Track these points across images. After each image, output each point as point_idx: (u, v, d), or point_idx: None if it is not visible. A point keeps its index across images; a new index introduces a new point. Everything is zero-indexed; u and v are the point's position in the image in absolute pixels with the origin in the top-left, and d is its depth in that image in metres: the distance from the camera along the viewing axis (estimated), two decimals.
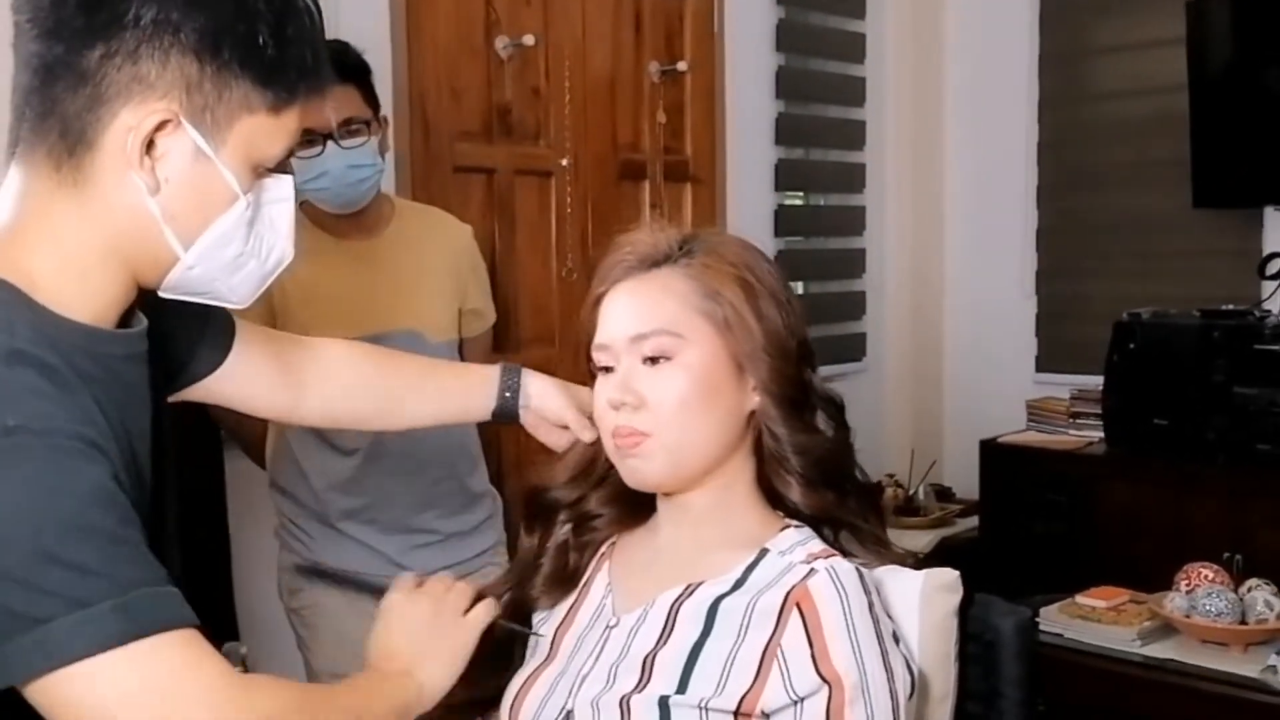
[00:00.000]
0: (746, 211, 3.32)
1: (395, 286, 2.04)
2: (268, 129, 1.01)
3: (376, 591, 2.04)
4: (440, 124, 2.64)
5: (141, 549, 0.94)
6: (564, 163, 2.86)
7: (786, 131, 3.50)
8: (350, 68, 1.94)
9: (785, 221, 3.53)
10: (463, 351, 2.16)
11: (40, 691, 0.90)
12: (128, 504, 0.94)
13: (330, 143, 1.92)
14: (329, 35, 2.39)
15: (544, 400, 1.37)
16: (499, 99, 2.76)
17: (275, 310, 1.99)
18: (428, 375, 1.45)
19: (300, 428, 1.97)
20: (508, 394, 1.38)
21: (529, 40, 2.74)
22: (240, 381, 1.29)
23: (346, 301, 2.00)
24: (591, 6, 2.93)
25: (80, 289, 0.99)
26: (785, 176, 3.51)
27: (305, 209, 2.05)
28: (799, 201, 3.72)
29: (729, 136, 3.31)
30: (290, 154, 1.06)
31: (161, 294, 1.05)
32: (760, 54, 3.41)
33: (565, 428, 1.34)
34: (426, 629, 1.15)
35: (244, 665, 2.14)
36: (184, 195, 0.98)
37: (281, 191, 1.06)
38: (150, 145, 0.96)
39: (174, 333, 1.19)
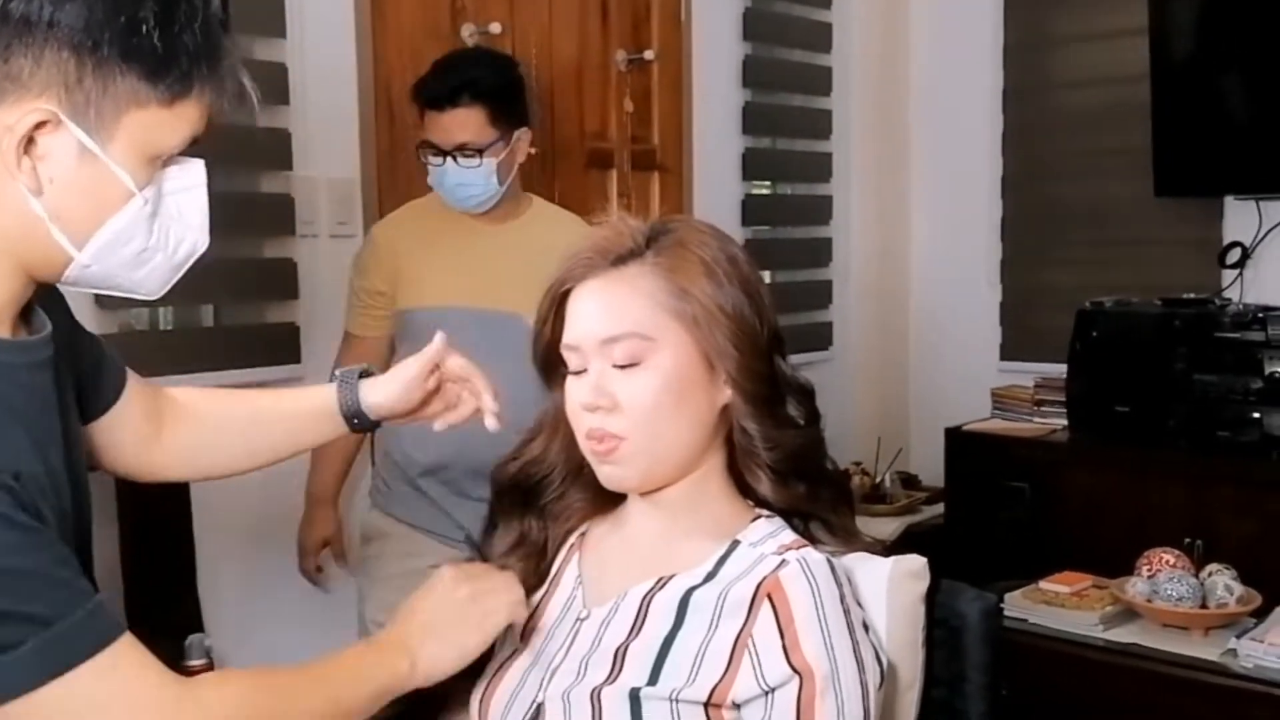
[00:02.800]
0: (714, 200, 3.32)
1: (506, 270, 2.13)
2: (163, 121, 0.95)
3: (438, 552, 2.09)
4: (406, 111, 2.62)
5: (52, 573, 0.90)
6: (531, 151, 2.84)
7: (753, 120, 3.49)
8: (481, 91, 2.11)
9: (752, 210, 3.53)
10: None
11: None
12: (30, 526, 0.90)
13: (449, 159, 2.12)
14: (296, 24, 2.38)
15: (390, 402, 1.33)
16: None
17: (400, 269, 2.20)
18: (271, 408, 1.40)
19: None
20: (355, 421, 1.33)
21: (495, 28, 2.73)
22: (115, 432, 1.23)
23: (460, 275, 2.17)
24: None
25: None
26: (752, 166, 3.51)
27: None
28: (766, 191, 3.72)
29: (696, 125, 3.30)
30: (196, 140, 1.00)
31: (63, 286, 1.01)
32: (727, 43, 3.41)
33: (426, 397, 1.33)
34: (453, 611, 1.09)
35: (209, 658, 2.14)
36: (72, 195, 0.94)
37: (190, 179, 1.01)
38: (30, 144, 0.91)
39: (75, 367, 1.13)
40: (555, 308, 1.18)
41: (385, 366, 2.16)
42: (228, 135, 2.51)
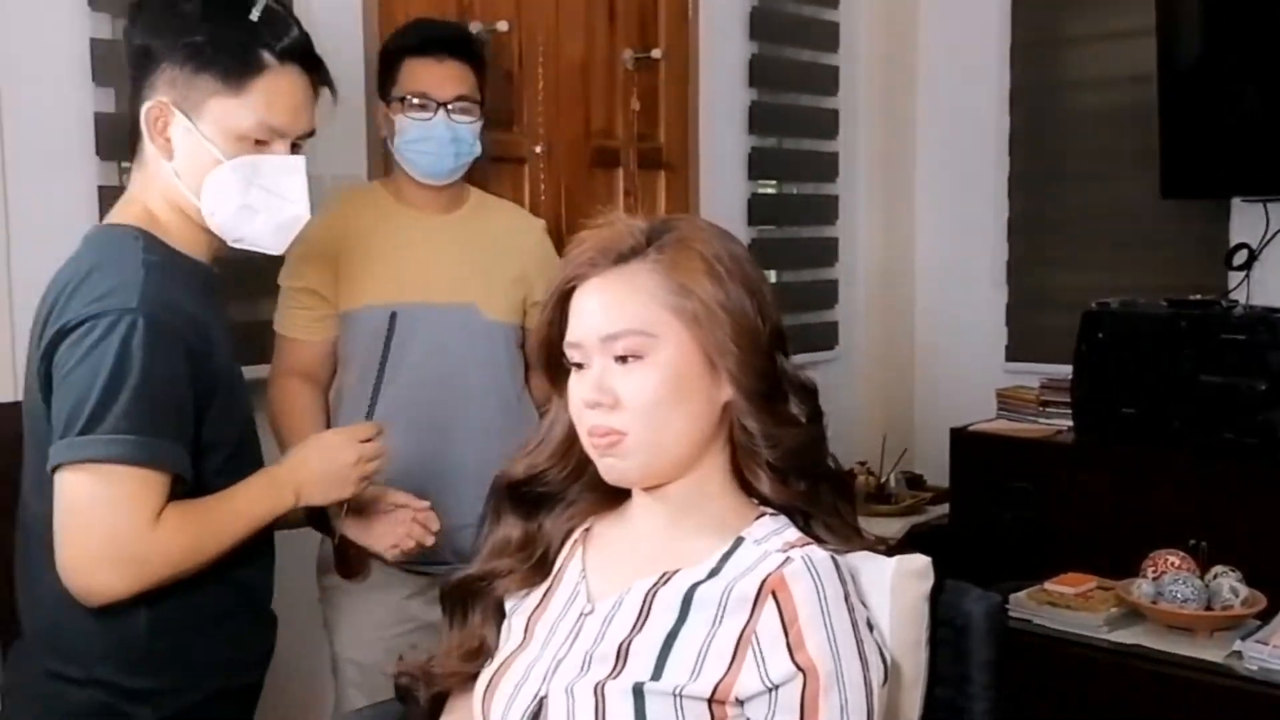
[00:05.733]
0: (720, 199, 3.32)
1: (459, 262, 2.07)
2: (233, 106, 1.42)
3: (405, 581, 2.04)
4: None
5: (158, 406, 1.33)
6: (537, 149, 2.85)
7: (760, 120, 3.50)
8: (473, 51, 2.07)
9: (758, 210, 3.53)
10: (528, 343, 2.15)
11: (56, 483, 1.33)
12: (175, 377, 1.35)
13: (442, 111, 2.01)
14: (302, 20, 2.41)
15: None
16: None
17: (339, 268, 2.06)
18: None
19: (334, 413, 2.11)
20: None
21: (502, 26, 2.73)
22: None
23: (410, 267, 2.06)
24: None
25: (180, 233, 1.47)
26: (758, 165, 3.51)
27: (384, 184, 2.16)
28: (772, 190, 3.72)
29: (702, 124, 3.30)
30: (272, 133, 1.45)
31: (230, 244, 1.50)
32: (734, 42, 3.41)
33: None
34: (336, 472, 1.54)
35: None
36: (186, 159, 1.43)
37: (291, 166, 1.46)
38: (165, 125, 1.42)
39: None
40: (560, 306, 1.18)
41: (328, 374, 2.12)
42: None
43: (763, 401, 1.15)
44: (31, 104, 2.05)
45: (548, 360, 1.21)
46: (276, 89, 1.42)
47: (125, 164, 2.28)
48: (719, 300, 1.13)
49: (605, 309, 1.14)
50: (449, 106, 2.01)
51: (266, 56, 1.42)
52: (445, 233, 2.10)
